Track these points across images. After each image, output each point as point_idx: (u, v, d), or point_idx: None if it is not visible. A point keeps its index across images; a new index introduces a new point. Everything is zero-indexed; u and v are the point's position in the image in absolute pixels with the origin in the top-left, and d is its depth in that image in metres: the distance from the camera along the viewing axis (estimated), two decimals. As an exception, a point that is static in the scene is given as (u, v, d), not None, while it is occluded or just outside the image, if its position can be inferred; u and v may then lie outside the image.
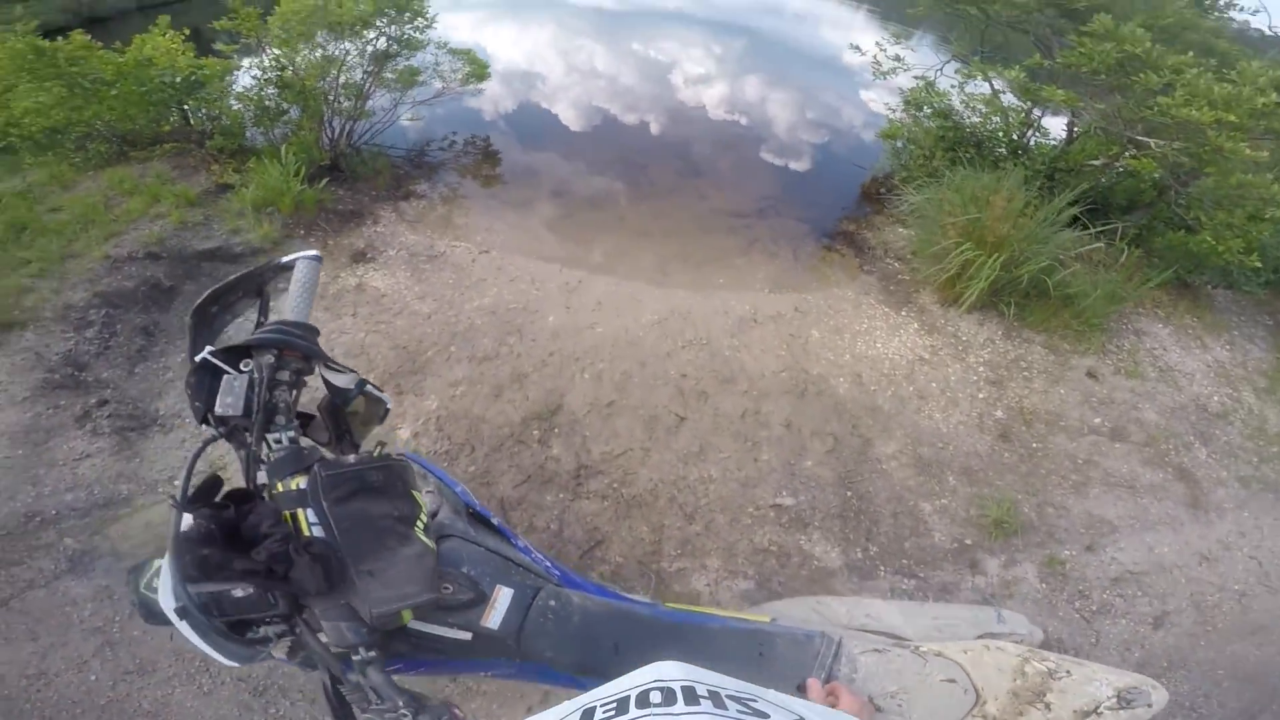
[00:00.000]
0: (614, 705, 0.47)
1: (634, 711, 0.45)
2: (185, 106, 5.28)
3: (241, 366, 0.88)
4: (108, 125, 4.96)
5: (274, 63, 5.15)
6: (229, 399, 0.86)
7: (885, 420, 3.33)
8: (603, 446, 3.03)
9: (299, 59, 5.15)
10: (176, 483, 0.83)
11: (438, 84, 5.90)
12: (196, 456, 0.88)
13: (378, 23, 5.35)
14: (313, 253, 1.05)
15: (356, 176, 4.98)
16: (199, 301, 0.94)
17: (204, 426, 0.91)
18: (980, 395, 3.56)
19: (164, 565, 0.82)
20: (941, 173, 4.89)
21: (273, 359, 0.88)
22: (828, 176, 6.43)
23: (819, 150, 7.16)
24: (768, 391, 3.39)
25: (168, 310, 3.42)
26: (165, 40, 5.12)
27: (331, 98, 5.26)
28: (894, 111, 6.19)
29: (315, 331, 0.93)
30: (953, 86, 5.79)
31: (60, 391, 2.99)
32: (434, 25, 5.71)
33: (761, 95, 8.73)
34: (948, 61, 6.21)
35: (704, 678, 0.52)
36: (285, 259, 1.00)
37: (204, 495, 0.87)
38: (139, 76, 4.79)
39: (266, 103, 5.07)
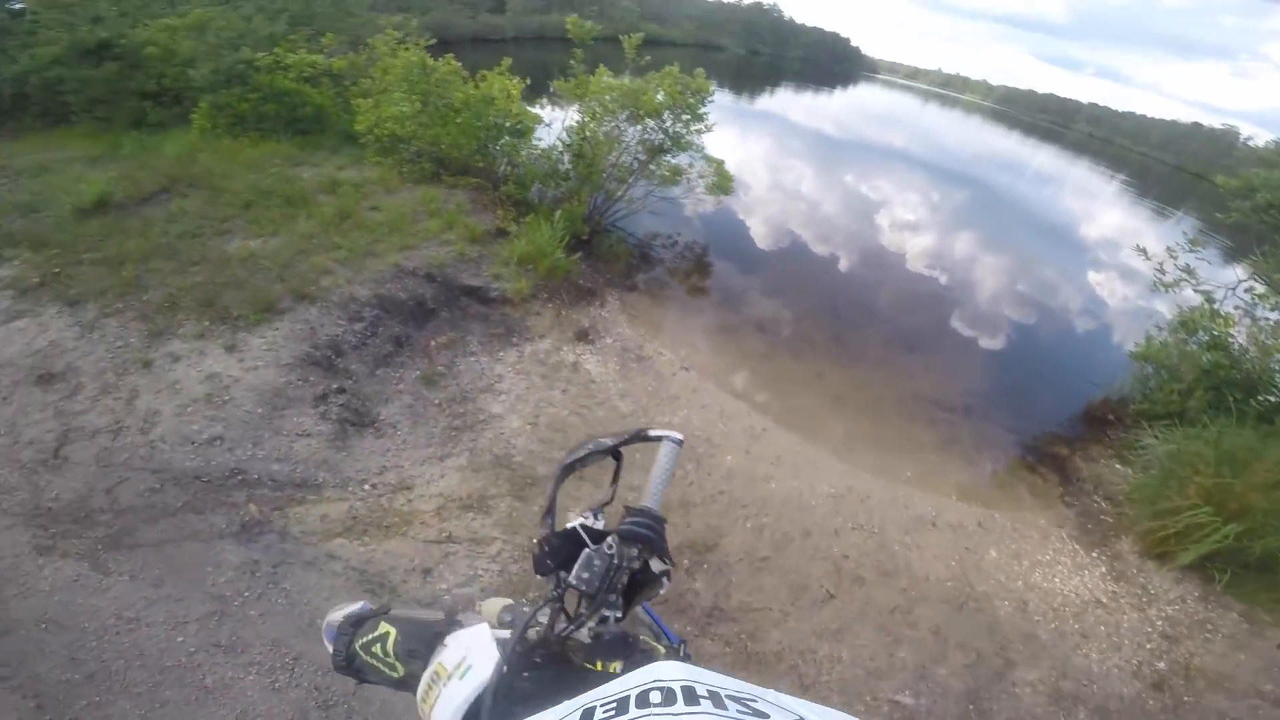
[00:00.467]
0: (614, 705, 0.47)
1: (634, 711, 0.44)
2: (495, 148, 6.23)
3: (606, 547, 0.89)
4: (438, 147, 6.01)
5: (578, 132, 5.87)
6: (586, 574, 0.91)
7: (1036, 649, 2.98)
8: (744, 596, 2.88)
9: (597, 133, 5.85)
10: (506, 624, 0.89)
11: (684, 186, 6.35)
12: (539, 610, 0.92)
13: (665, 116, 5.91)
14: (678, 436, 1.09)
15: (599, 255, 5.46)
16: (569, 460, 0.99)
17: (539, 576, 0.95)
18: (1148, 645, 3.12)
19: (458, 683, 0.85)
20: (1195, 415, 4.17)
21: (636, 552, 0.88)
22: (1052, 385, 5.72)
23: (1050, 352, 6.41)
24: (926, 595, 3.10)
25: (420, 329, 3.95)
26: (508, 83, 6.07)
27: (604, 176, 5.89)
28: (1159, 330, 5.32)
29: (663, 521, 0.96)
30: (1237, 309, 4.88)
31: (314, 369, 3.53)
32: (710, 129, 6.15)
33: (997, 272, 8.08)
34: (1242, 282, 5.25)
35: (704, 678, 0.51)
36: (653, 433, 1.05)
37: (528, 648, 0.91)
38: (480, 111, 5.78)
39: (559, 165, 5.82)
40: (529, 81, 6.29)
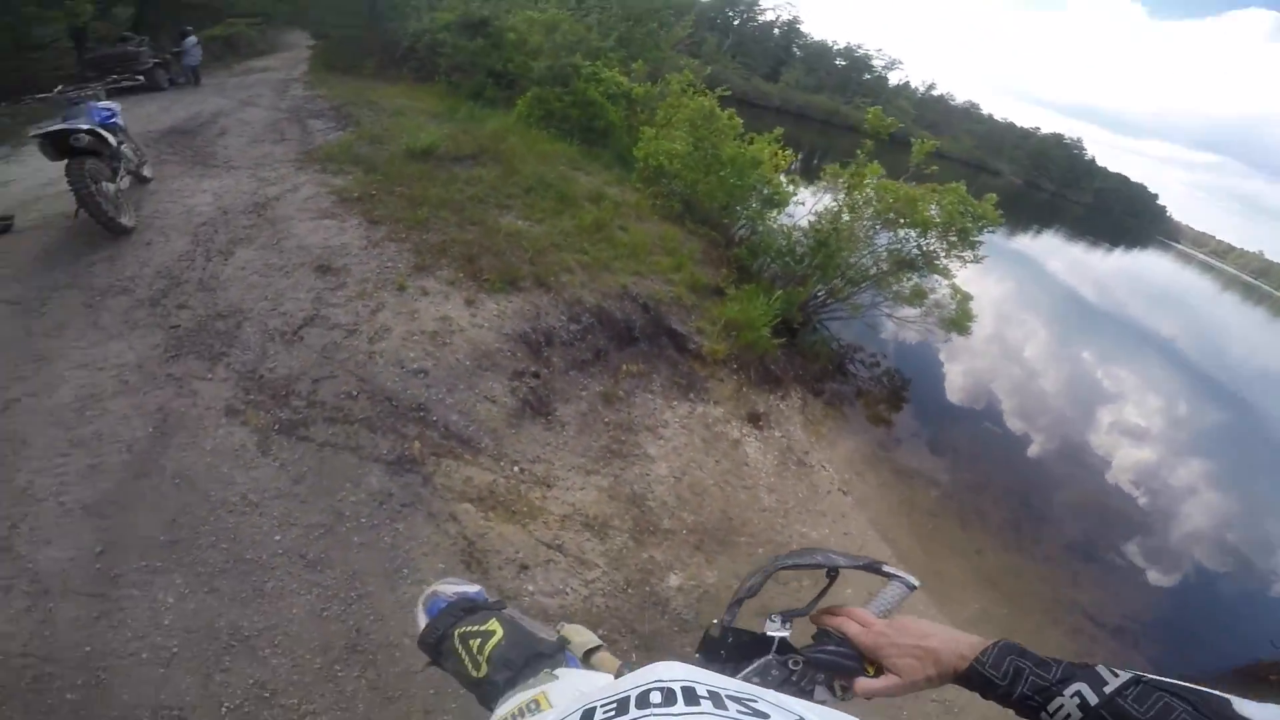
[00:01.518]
0: (614, 705, 0.47)
1: (634, 712, 0.45)
2: (742, 209, 6.51)
3: (791, 663, 0.87)
4: (693, 191, 6.40)
5: (830, 220, 5.82)
6: (757, 677, 0.87)
7: None
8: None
9: (849, 227, 5.77)
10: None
11: (919, 310, 5.90)
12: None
13: (931, 235, 5.61)
14: (914, 581, 1.02)
15: (799, 348, 5.38)
16: (789, 563, 0.97)
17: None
18: None
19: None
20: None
21: (822, 679, 0.86)
22: (1219, 634, 4.71)
23: (1232, 595, 5.22)
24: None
25: (620, 350, 4.25)
26: (779, 152, 6.28)
27: (838, 272, 5.80)
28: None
29: (860, 658, 0.90)
30: None
31: (524, 347, 3.95)
32: (978, 261, 5.70)
33: (1213, 512, 6.55)
34: None
35: (704, 678, 0.51)
36: (888, 569, 0.99)
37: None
38: (742, 170, 6.06)
39: (795, 246, 5.89)
40: (798, 156, 6.48)
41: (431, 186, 5.61)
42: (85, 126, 4.23)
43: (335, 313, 3.82)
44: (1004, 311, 11.30)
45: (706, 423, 4.06)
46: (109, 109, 4.76)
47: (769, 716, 0.45)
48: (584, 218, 5.58)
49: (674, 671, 0.53)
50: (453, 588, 1.20)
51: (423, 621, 1.07)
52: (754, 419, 4.24)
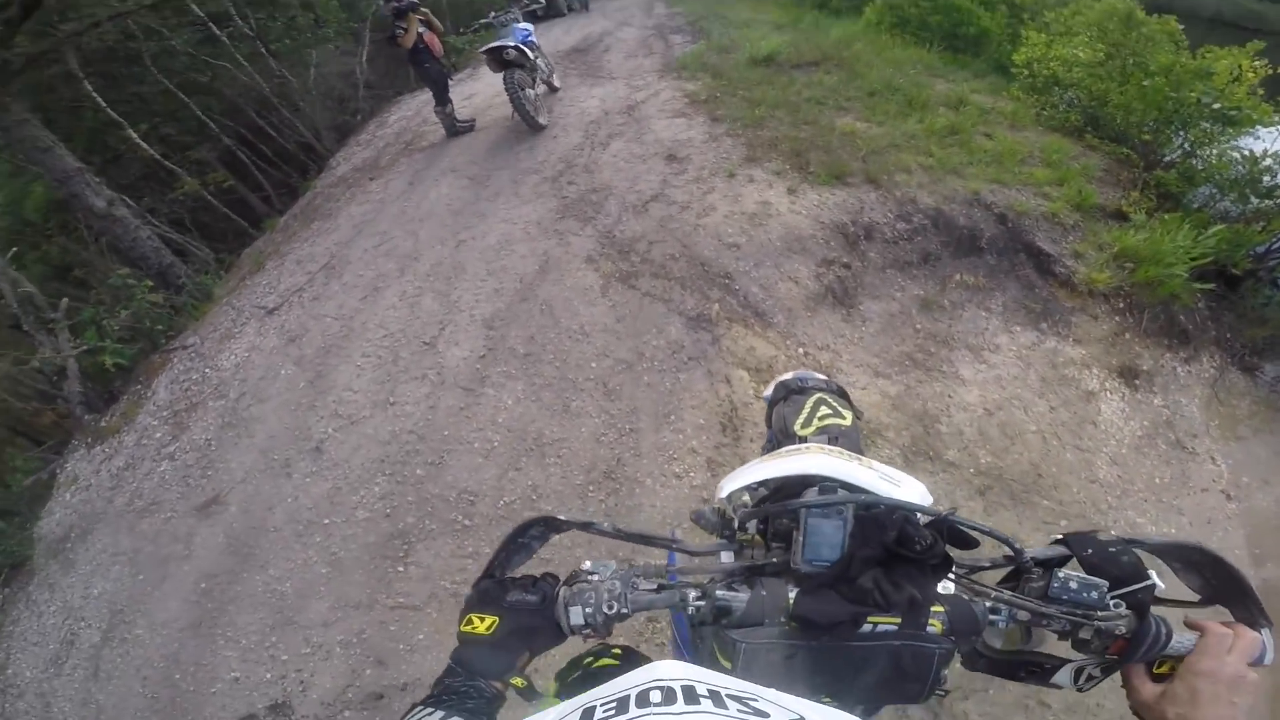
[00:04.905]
0: (614, 704, 0.49)
1: (634, 711, 0.46)
2: (1181, 130, 5.11)
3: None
4: (1103, 104, 5.35)
5: None
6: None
7: None
8: None
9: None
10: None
11: None
12: None
13: None
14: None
15: (1236, 306, 4.11)
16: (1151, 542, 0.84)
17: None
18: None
19: None
20: None
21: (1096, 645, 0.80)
22: None
23: None
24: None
25: (955, 259, 4.06)
26: (1245, 63, 4.68)
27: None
28: None
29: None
30: None
31: (840, 238, 4.11)
32: None
33: None
34: None
35: (704, 677, 0.53)
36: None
37: None
38: (1181, 81, 4.72)
39: (1263, 180, 4.42)
40: (1275, 71, 4.81)
41: (770, 90, 6.08)
42: (512, 44, 5.71)
43: (674, 192, 4.68)
44: None
45: (1054, 361, 3.61)
46: (526, 29, 6.31)
47: (769, 715, 0.46)
48: (934, 122, 5.24)
49: (674, 670, 0.54)
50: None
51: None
52: (1128, 373, 3.59)
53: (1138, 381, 3.59)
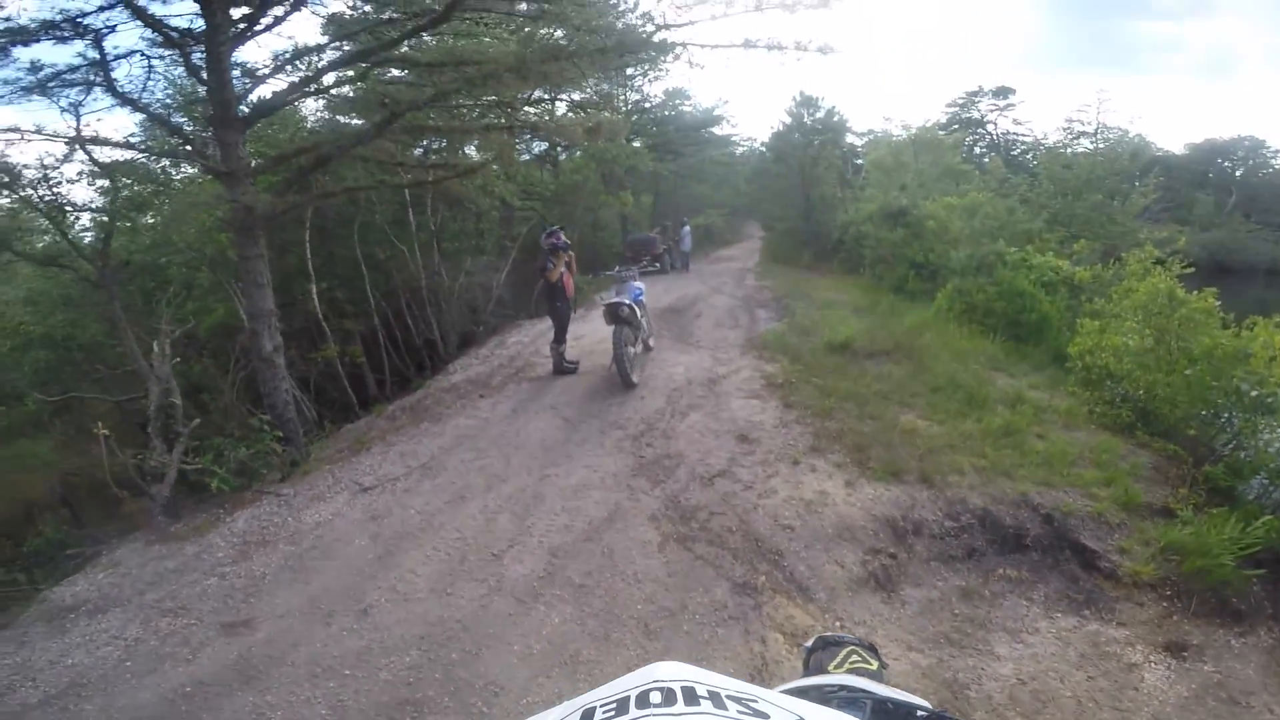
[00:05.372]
0: (614, 705, 0.49)
1: (634, 712, 0.47)
2: (1227, 420, 5.21)
3: None
4: (1150, 397, 5.47)
5: None
6: None
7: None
8: None
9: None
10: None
11: None
12: None
13: None
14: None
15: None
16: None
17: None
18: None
19: None
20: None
21: None
22: None
23: None
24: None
25: (1000, 555, 4.18)
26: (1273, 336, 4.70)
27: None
28: None
29: None
30: None
31: (888, 530, 4.37)
32: None
33: None
34: None
35: (703, 678, 0.53)
36: None
37: None
38: (1220, 368, 4.82)
39: None
40: None
41: (842, 379, 6.84)
42: (628, 301, 6.86)
43: (741, 471, 5.25)
44: None
45: (1095, 641, 3.59)
46: (639, 288, 7.52)
47: (769, 716, 0.47)
48: (991, 421, 5.69)
49: (674, 671, 0.55)
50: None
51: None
52: (1175, 648, 3.49)
53: (1185, 654, 3.48)
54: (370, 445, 6.70)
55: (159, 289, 10.47)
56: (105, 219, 9.86)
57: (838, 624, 3.69)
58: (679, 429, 5.98)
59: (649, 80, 20.37)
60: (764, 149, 27.31)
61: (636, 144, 19.53)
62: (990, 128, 41.01)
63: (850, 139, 26.17)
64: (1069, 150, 16.73)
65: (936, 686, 3.30)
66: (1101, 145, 16.05)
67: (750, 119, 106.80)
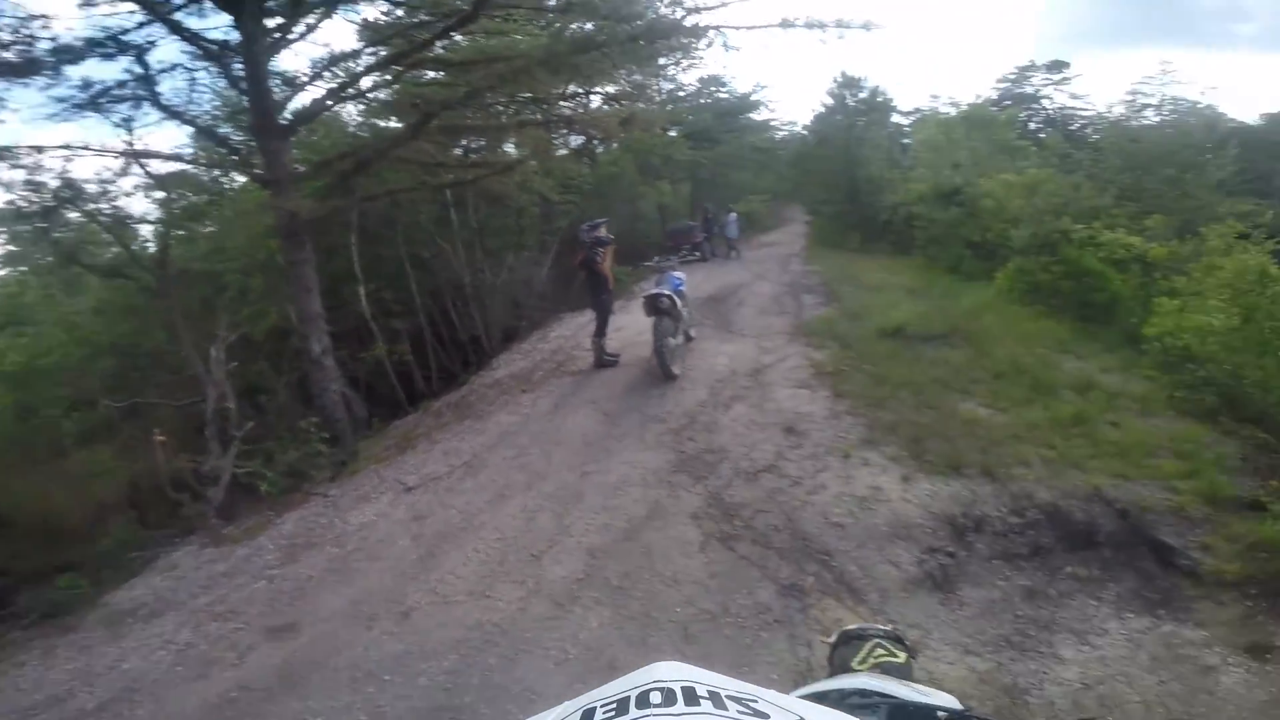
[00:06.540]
0: (614, 706, 0.50)
1: (634, 712, 0.47)
2: None
3: None
4: (1239, 380, 5.13)
5: None
6: None
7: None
8: None
9: None
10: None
11: None
12: None
13: None
14: None
15: None
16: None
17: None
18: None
19: None
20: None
21: None
22: None
23: None
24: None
25: (1070, 553, 3.92)
26: None
27: None
28: None
29: None
30: None
31: (947, 527, 4.17)
32: None
33: None
34: None
35: (704, 678, 0.53)
36: None
37: None
38: None
39: None
40: None
41: (896, 366, 6.52)
42: (668, 292, 6.78)
43: (788, 466, 5.05)
44: None
45: (1169, 642, 3.34)
46: (680, 278, 7.43)
47: (769, 716, 0.47)
48: (1060, 409, 5.36)
49: (674, 671, 0.55)
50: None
51: None
52: (1257, 649, 3.22)
53: (1269, 655, 3.20)
54: (415, 443, 6.85)
55: (216, 295, 11.01)
56: (162, 229, 10.42)
57: (889, 626, 3.53)
58: (722, 422, 5.81)
59: (682, 69, 20.28)
60: (805, 132, 26.96)
61: (672, 133, 19.47)
62: (1045, 103, 38.87)
63: (896, 118, 25.49)
64: (1135, 123, 15.71)
65: (994, 692, 3.14)
66: (1170, 117, 15.00)
67: (790, 102, 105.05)
